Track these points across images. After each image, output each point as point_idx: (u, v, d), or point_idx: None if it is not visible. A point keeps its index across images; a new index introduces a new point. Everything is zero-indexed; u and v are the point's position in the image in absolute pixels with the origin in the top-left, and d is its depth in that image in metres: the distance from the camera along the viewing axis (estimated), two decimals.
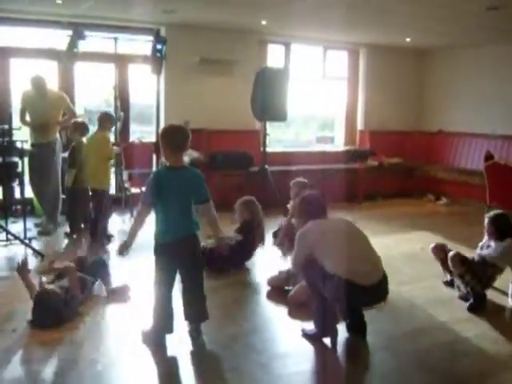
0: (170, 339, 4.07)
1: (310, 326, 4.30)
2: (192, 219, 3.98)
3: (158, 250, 3.98)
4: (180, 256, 3.96)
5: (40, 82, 7.15)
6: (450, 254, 5.06)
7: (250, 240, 5.95)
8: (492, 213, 5.23)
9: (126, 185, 8.24)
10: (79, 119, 7.39)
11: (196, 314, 4.12)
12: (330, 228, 4.13)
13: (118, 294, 4.96)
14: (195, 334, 4.11)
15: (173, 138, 3.94)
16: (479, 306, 4.92)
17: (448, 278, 5.48)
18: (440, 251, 5.40)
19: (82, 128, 7.05)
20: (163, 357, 3.91)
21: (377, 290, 4.00)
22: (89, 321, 4.44)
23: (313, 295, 4.21)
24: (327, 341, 4.16)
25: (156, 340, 4.03)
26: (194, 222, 4.01)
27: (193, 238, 4.01)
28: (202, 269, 4.16)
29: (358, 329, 4.28)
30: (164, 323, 4.03)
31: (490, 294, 5.11)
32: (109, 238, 6.84)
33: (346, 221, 4.34)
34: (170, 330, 4.06)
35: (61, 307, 4.36)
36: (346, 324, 4.31)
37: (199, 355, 3.96)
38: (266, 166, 8.96)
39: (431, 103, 11.34)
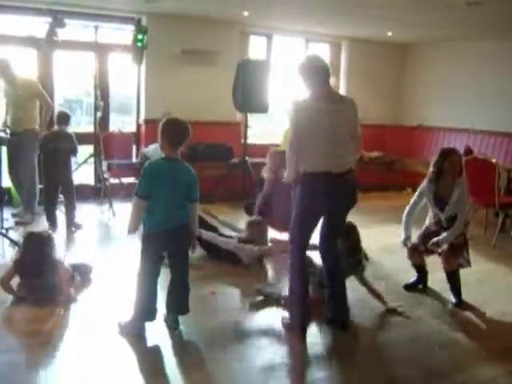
0: (148, 330, 4.06)
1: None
2: (184, 211, 3.98)
3: (148, 238, 3.95)
4: (172, 245, 3.98)
5: (1, 65, 6.97)
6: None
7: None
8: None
9: (105, 175, 8.18)
10: (61, 109, 7.29)
11: (177, 304, 4.12)
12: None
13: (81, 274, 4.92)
14: (174, 325, 4.11)
15: (174, 132, 3.93)
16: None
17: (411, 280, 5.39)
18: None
19: (66, 118, 6.94)
20: (143, 347, 3.89)
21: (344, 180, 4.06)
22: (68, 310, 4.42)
23: (291, 282, 4.24)
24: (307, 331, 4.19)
25: (135, 330, 4.00)
26: (186, 214, 3.99)
27: (185, 228, 4.01)
28: (188, 259, 4.16)
29: (338, 320, 4.30)
30: (147, 312, 4.00)
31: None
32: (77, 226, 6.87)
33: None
34: (152, 318, 4.04)
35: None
36: (327, 315, 4.33)
37: (178, 346, 3.95)
38: (247, 158, 8.94)
39: (412, 97, 11.39)
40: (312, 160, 4.03)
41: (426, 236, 5.11)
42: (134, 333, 3.99)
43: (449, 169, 4.95)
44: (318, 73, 4.11)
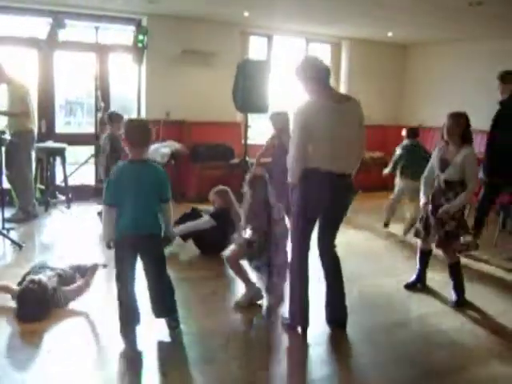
0: (144, 331, 4.06)
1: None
2: (153, 215, 3.86)
3: (117, 244, 3.87)
4: (139, 252, 3.89)
5: None
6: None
7: (222, 228, 5.95)
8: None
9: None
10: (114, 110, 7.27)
11: (161, 308, 4.05)
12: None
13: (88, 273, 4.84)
14: (173, 324, 4.09)
15: (132, 134, 3.85)
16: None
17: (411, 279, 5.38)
18: None
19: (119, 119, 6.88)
20: (132, 352, 3.85)
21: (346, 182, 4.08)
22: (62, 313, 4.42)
23: (292, 283, 4.22)
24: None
25: (124, 335, 3.94)
26: (156, 218, 3.88)
27: (153, 235, 3.89)
28: (164, 263, 4.00)
29: (337, 320, 4.30)
30: (128, 317, 3.94)
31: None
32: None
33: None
34: (136, 323, 3.99)
35: (47, 300, 4.30)
36: (325, 315, 4.33)
37: (175, 347, 3.96)
38: (247, 158, 8.94)
39: (412, 97, 11.38)
40: (319, 159, 3.97)
41: (426, 220, 5.08)
42: (124, 339, 3.93)
43: (453, 129, 4.93)
44: (321, 73, 4.07)
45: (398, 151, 7.39)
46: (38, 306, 4.25)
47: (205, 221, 5.90)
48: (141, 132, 3.87)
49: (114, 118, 6.89)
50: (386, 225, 7.53)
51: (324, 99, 4.01)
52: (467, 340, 4.26)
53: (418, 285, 5.31)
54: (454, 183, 4.86)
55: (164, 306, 4.05)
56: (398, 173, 7.37)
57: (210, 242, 5.94)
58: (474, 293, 5.18)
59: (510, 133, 6.33)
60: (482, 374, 3.76)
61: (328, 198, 4.03)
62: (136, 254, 3.90)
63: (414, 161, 6.91)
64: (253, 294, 4.76)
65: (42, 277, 4.44)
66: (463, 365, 3.87)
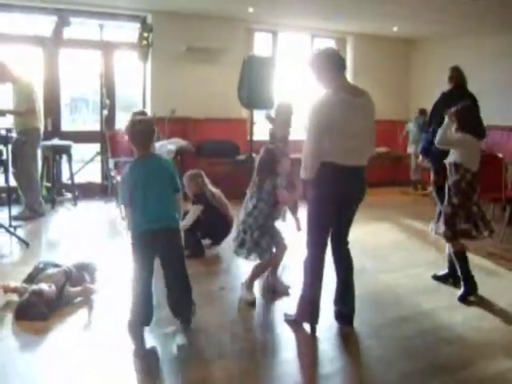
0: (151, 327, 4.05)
1: (291, 310, 4.31)
2: (169, 208, 3.88)
3: (133, 240, 3.87)
4: (158, 247, 3.87)
5: None
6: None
7: (214, 207, 5.95)
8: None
9: (112, 173, 8.20)
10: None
11: (182, 307, 4.02)
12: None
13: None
14: (184, 325, 4.07)
15: (138, 134, 3.85)
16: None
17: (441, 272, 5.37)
18: None
19: None
20: (140, 349, 3.83)
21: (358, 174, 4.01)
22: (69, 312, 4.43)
23: (306, 278, 4.16)
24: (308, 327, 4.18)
25: (133, 332, 3.92)
26: (172, 211, 3.90)
27: (170, 228, 3.88)
28: (183, 258, 4.00)
29: (345, 316, 4.29)
30: (142, 314, 3.91)
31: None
32: None
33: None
34: (148, 323, 3.95)
35: (44, 312, 4.25)
36: (335, 311, 4.32)
37: (183, 344, 3.96)
38: (253, 155, 8.93)
39: (418, 92, 11.35)
40: (335, 153, 3.90)
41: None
42: (134, 334, 3.91)
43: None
44: (338, 64, 3.97)
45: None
46: (39, 317, 4.20)
47: (193, 211, 5.87)
48: (143, 134, 3.85)
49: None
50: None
51: (341, 92, 3.92)
52: (475, 334, 4.25)
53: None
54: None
55: (185, 304, 4.02)
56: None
57: (212, 227, 5.95)
58: (483, 287, 5.18)
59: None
60: (490, 369, 3.74)
61: (344, 192, 3.96)
62: (153, 249, 3.87)
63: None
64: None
65: (44, 286, 4.38)
66: (471, 360, 3.86)
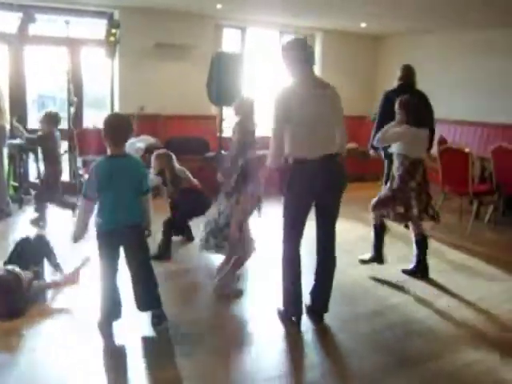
0: (122, 326, 4.05)
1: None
2: (136, 207, 3.93)
3: (99, 238, 3.91)
4: (123, 244, 3.92)
5: None
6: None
7: (186, 190, 6.10)
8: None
9: (80, 171, 8.12)
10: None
11: (147, 301, 4.04)
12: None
13: (68, 278, 4.87)
14: (155, 321, 4.06)
15: (115, 129, 3.91)
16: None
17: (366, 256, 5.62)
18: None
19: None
20: (111, 345, 3.87)
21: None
22: (41, 308, 4.38)
23: (284, 272, 4.21)
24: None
25: (104, 329, 3.97)
26: (138, 210, 3.95)
27: (135, 226, 3.94)
28: (148, 255, 4.09)
29: (317, 311, 4.33)
30: (111, 310, 3.97)
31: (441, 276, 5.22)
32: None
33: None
34: (117, 316, 4.00)
35: (22, 292, 4.28)
36: (307, 305, 4.35)
37: (156, 341, 3.96)
38: (223, 152, 8.92)
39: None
40: (301, 146, 3.98)
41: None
42: (104, 330, 3.95)
43: None
44: (304, 56, 4.04)
45: None
46: (13, 296, 4.22)
47: (152, 178, 5.90)
48: (122, 128, 3.93)
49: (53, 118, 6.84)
50: None
51: (304, 84, 4.01)
52: (444, 327, 4.33)
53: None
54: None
55: (150, 297, 4.04)
56: None
57: (191, 204, 6.06)
58: (450, 281, 5.26)
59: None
60: (459, 361, 3.82)
61: (315, 184, 4.00)
62: (119, 247, 3.93)
63: None
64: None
65: (17, 268, 4.42)
66: (440, 352, 3.93)
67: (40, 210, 6.82)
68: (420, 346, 4.02)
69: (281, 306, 4.34)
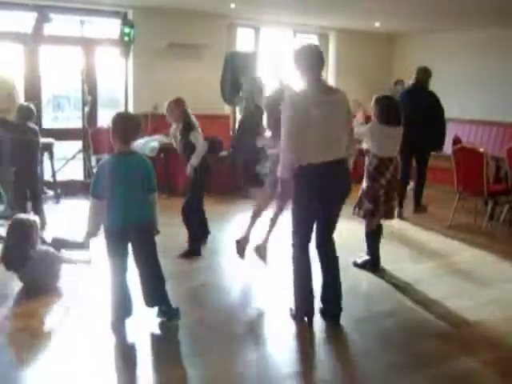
0: (135, 324, 4.07)
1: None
2: (144, 204, 3.97)
3: (108, 236, 3.95)
4: (132, 242, 3.96)
5: None
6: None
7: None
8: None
9: (94, 170, 8.14)
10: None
11: (154, 296, 4.08)
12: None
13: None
14: (163, 317, 4.10)
15: (122, 128, 3.91)
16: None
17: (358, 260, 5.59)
18: None
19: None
20: (122, 343, 3.89)
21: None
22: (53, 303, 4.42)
23: (294, 274, 4.23)
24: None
25: (115, 327, 4.00)
26: (147, 207, 3.99)
27: (144, 224, 3.98)
28: (155, 253, 4.08)
29: (330, 314, 4.32)
30: (121, 308, 4.01)
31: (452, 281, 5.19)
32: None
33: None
34: (129, 314, 4.04)
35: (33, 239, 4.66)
36: (320, 308, 4.35)
37: (166, 340, 3.98)
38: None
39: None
40: (309, 152, 3.99)
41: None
42: (115, 331, 3.98)
43: None
44: (313, 61, 4.06)
45: None
46: (26, 240, 4.57)
47: (201, 145, 5.91)
48: (131, 128, 3.92)
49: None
50: None
51: (313, 90, 4.04)
52: (457, 329, 4.30)
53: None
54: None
55: (157, 293, 4.07)
56: None
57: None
58: (465, 281, 5.23)
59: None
60: (472, 363, 3.78)
61: (323, 190, 4.03)
62: (127, 245, 3.96)
63: None
64: None
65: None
66: (453, 354, 3.90)
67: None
68: (434, 347, 4.00)
69: (292, 306, 4.33)
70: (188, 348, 3.87)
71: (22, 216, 5.00)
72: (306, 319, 4.25)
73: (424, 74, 7.63)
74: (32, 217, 4.96)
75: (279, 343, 4.03)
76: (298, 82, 4.17)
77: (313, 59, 4.06)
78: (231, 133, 9.21)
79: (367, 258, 5.48)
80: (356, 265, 5.52)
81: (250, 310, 4.66)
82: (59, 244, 5.22)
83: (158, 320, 4.11)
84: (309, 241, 4.21)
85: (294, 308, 4.32)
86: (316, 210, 4.14)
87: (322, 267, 4.31)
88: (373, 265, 5.42)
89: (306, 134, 3.96)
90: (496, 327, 4.34)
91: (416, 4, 7.69)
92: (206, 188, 6.06)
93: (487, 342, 4.10)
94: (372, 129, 5.36)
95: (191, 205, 5.85)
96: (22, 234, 4.68)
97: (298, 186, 4.07)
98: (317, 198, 4.06)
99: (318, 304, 4.32)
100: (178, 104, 5.92)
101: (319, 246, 4.28)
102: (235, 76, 8.36)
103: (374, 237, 5.41)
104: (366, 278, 5.30)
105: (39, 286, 4.64)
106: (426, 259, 5.77)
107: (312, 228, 4.19)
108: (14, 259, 4.60)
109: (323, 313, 4.35)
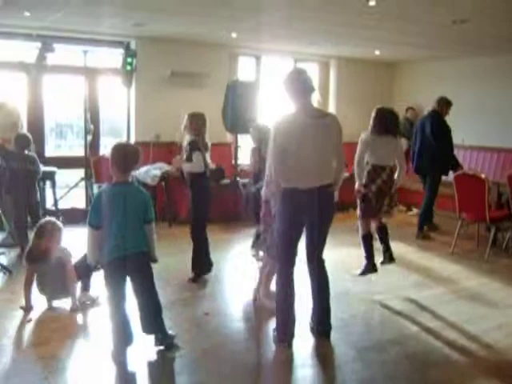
0: (135, 354, 4.04)
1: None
2: (140, 234, 3.99)
3: (106, 266, 3.97)
4: (129, 271, 3.97)
5: None
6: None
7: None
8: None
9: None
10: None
11: (152, 324, 4.08)
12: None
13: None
14: (168, 342, 4.09)
15: (121, 158, 3.96)
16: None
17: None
18: None
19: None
20: (123, 374, 3.88)
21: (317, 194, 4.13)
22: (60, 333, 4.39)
23: (278, 296, 4.31)
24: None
25: (116, 357, 3.98)
26: (143, 237, 4.01)
27: (141, 254, 3.99)
28: (153, 279, 4.08)
29: (320, 332, 4.38)
30: (121, 338, 3.99)
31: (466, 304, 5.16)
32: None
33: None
34: (129, 343, 4.02)
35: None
36: (311, 327, 4.39)
37: (166, 370, 3.95)
38: (238, 179, 8.95)
39: (401, 115, 11.43)
40: (294, 175, 4.08)
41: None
42: (117, 360, 3.97)
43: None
44: (302, 87, 4.16)
45: None
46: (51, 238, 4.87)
47: (197, 158, 5.71)
48: (128, 157, 3.97)
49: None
50: None
51: (300, 114, 4.11)
52: (460, 357, 4.27)
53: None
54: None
55: (153, 321, 4.08)
56: None
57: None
58: (466, 309, 5.20)
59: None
60: None
61: (310, 212, 4.13)
62: (125, 275, 3.97)
63: None
64: None
65: None
66: (459, 382, 3.86)
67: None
68: (437, 376, 3.97)
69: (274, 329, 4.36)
70: (190, 378, 3.83)
71: (51, 218, 5.29)
72: (285, 343, 4.25)
73: (438, 102, 8.22)
74: (59, 222, 5.23)
75: (281, 373, 4.00)
76: (289, 107, 4.23)
77: (300, 85, 4.16)
78: (233, 161, 9.22)
79: (365, 263, 5.70)
80: (358, 275, 5.78)
81: (253, 338, 4.62)
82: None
83: (159, 349, 4.09)
84: (293, 261, 4.26)
85: (275, 332, 4.34)
86: (298, 231, 4.24)
87: (312, 286, 4.38)
88: (372, 267, 5.74)
89: (291, 157, 4.03)
90: (503, 354, 4.30)
91: (415, 33, 7.75)
92: (206, 210, 5.99)
93: (494, 369, 4.07)
94: (364, 137, 5.76)
95: (196, 228, 5.86)
96: (48, 232, 4.96)
97: (281, 207, 4.16)
98: (300, 220, 4.18)
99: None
100: (194, 117, 5.90)
101: (310, 265, 4.37)
102: (237, 104, 8.40)
103: (367, 240, 5.77)
104: (369, 305, 5.27)
105: (54, 289, 4.91)
106: (431, 286, 5.74)
107: (295, 249, 4.27)
108: (38, 254, 4.89)
109: (314, 330, 4.43)
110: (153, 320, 4.06)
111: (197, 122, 5.82)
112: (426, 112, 8.40)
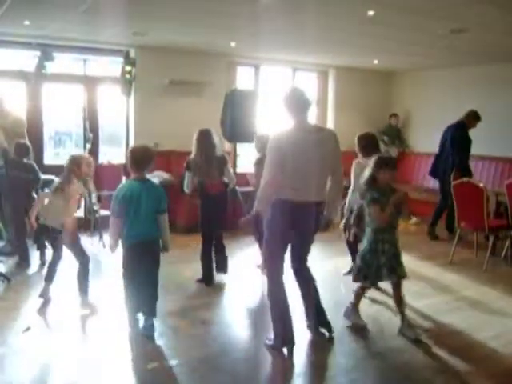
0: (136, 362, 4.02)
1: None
2: (155, 224, 4.50)
3: (124, 251, 4.54)
4: (143, 254, 4.47)
5: None
6: None
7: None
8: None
9: (95, 207, 8.16)
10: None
11: (148, 305, 4.53)
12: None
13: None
14: (147, 332, 4.46)
15: (138, 158, 4.51)
16: None
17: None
18: None
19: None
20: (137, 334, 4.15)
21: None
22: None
23: (272, 303, 4.35)
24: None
25: (131, 323, 4.53)
26: (156, 227, 4.52)
27: (153, 242, 4.55)
28: (157, 270, 4.60)
29: (323, 326, 4.51)
30: (134, 304, 4.53)
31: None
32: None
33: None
34: (139, 309, 4.55)
35: None
36: (309, 326, 4.50)
37: (165, 379, 3.92)
38: (236, 187, 8.93)
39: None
40: (289, 189, 4.15)
41: None
42: (131, 326, 4.52)
43: None
44: (299, 104, 4.27)
45: None
46: None
47: (187, 176, 6.17)
48: (142, 158, 4.52)
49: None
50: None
51: (296, 130, 4.20)
52: (461, 365, 4.24)
53: None
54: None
55: (146, 304, 4.53)
56: None
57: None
58: (466, 317, 5.18)
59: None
60: None
61: (293, 227, 4.25)
62: (140, 257, 4.48)
63: None
64: None
65: None
66: None
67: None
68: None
69: (269, 336, 4.38)
70: None
71: None
72: (285, 349, 4.26)
73: (464, 115, 8.62)
74: None
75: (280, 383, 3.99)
76: (287, 122, 4.32)
77: (298, 103, 4.26)
78: (231, 170, 9.21)
79: (352, 264, 5.62)
80: (346, 274, 5.76)
81: (252, 347, 4.60)
82: None
83: (164, 353, 4.11)
84: (281, 270, 4.35)
85: (271, 338, 4.35)
86: (286, 242, 4.32)
87: (303, 294, 4.50)
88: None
89: (286, 170, 4.10)
90: (501, 363, 4.30)
91: (413, 42, 7.79)
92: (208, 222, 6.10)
93: (493, 378, 4.05)
94: (357, 164, 5.93)
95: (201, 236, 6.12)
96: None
97: (272, 216, 4.22)
98: (282, 231, 4.25)
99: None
100: (198, 134, 6.43)
101: (297, 272, 4.48)
102: (235, 113, 8.42)
103: (352, 245, 5.83)
104: (367, 313, 5.25)
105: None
106: (430, 295, 5.73)
107: (282, 254, 4.35)
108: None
109: (313, 328, 4.56)
110: (151, 299, 4.53)
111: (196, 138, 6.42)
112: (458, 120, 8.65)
